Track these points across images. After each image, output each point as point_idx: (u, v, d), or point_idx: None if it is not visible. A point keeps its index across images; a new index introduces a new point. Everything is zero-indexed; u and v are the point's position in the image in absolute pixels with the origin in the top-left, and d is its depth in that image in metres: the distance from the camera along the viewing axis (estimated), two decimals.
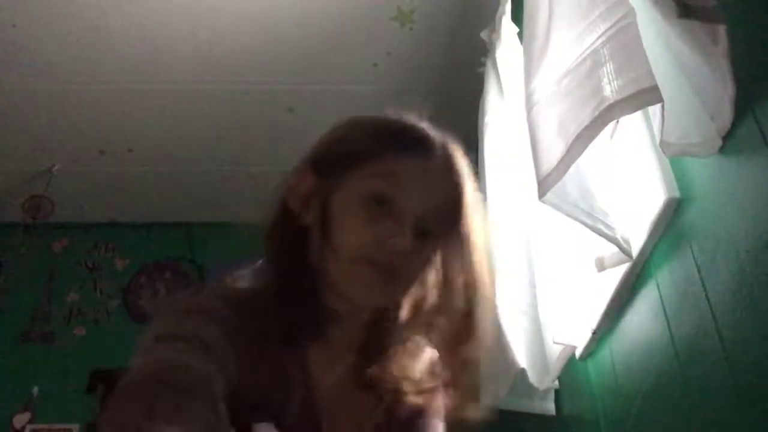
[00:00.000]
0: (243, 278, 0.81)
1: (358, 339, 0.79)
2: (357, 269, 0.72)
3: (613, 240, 1.03)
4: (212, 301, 0.72)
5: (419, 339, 0.82)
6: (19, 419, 2.79)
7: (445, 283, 0.77)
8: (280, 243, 0.77)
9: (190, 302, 0.72)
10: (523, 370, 1.44)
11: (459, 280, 0.76)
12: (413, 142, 0.76)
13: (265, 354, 0.72)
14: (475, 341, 0.77)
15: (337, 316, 0.76)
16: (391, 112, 0.82)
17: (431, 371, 0.82)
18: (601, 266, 1.13)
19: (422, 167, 0.75)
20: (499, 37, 1.88)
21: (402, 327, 0.79)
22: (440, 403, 0.83)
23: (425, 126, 0.79)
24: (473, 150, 2.12)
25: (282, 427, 0.69)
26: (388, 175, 0.74)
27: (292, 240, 0.76)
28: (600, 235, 1.03)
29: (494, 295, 0.80)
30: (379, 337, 0.79)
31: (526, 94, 1.19)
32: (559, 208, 1.04)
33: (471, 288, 0.76)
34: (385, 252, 0.71)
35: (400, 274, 0.73)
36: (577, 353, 1.35)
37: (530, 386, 1.46)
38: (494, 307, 0.81)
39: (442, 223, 0.75)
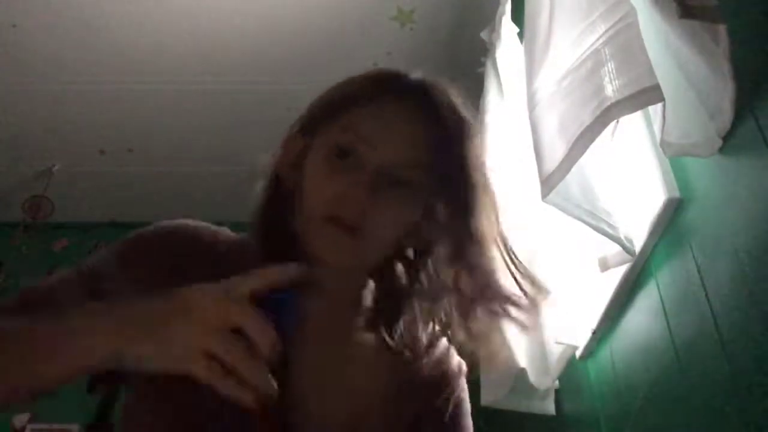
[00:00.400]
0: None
1: (359, 306, 0.73)
2: (322, 228, 0.66)
3: (616, 240, 1.03)
4: (166, 242, 0.72)
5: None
6: (19, 419, 2.79)
7: (440, 237, 0.70)
8: (264, 206, 0.74)
9: (138, 238, 0.73)
10: (523, 370, 1.44)
11: (457, 233, 0.68)
12: (382, 89, 0.70)
13: None
14: (484, 300, 0.69)
15: (319, 276, 0.69)
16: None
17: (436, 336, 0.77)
18: (604, 266, 1.13)
19: (392, 112, 0.68)
20: (499, 37, 1.88)
21: (411, 289, 0.73)
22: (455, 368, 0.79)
23: (409, 73, 0.72)
24: None
25: None
26: (351, 126, 0.68)
27: (276, 203, 0.73)
28: (604, 235, 1.03)
29: (506, 245, 0.71)
30: (388, 302, 0.73)
31: (528, 94, 1.19)
32: (562, 208, 1.04)
33: (460, 237, 0.68)
34: (347, 207, 0.65)
35: (366, 230, 0.65)
36: (577, 353, 1.35)
37: (530, 386, 1.46)
38: (508, 257, 0.70)
39: (423, 172, 0.67)
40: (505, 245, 0.72)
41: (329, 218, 0.66)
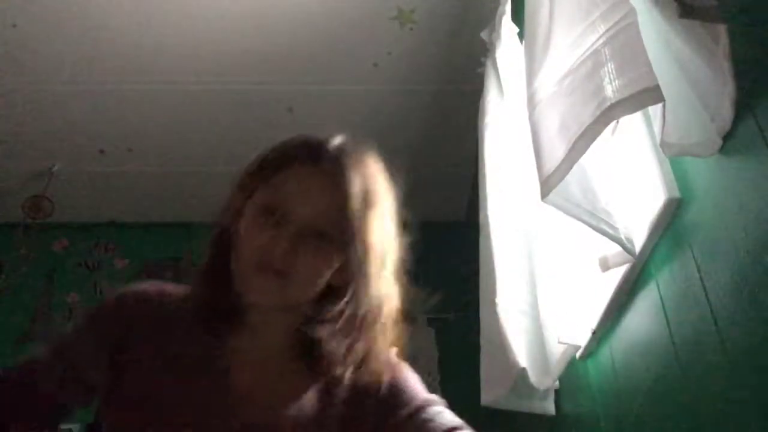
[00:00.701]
0: None
1: (290, 338, 0.84)
2: (252, 274, 0.79)
3: (617, 240, 1.03)
4: (117, 311, 0.86)
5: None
6: None
7: (344, 282, 0.82)
8: (210, 254, 0.86)
9: (95, 312, 0.89)
10: (523, 370, 1.44)
11: (353, 280, 0.81)
12: (303, 155, 0.82)
13: (178, 340, 0.83)
14: (362, 342, 0.82)
15: (254, 316, 0.84)
16: (309, 133, 0.88)
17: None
18: (604, 266, 1.13)
19: (309, 176, 0.81)
20: (499, 37, 1.88)
21: (335, 319, 0.82)
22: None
23: (329, 140, 0.84)
24: (473, 150, 2.12)
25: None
26: (277, 187, 0.81)
27: (220, 251, 0.84)
28: (604, 235, 1.03)
29: (388, 293, 0.84)
30: (310, 333, 0.82)
31: (528, 94, 1.19)
32: (562, 208, 1.04)
33: (360, 288, 0.81)
34: (273, 256, 0.77)
35: (291, 275, 0.78)
36: (578, 353, 1.35)
37: (530, 386, 1.46)
38: (388, 307, 0.84)
39: (338, 226, 0.79)
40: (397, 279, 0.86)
41: (259, 265, 0.78)
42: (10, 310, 3.06)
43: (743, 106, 0.79)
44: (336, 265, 0.81)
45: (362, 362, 0.84)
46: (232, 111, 2.78)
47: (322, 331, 0.81)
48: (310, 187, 0.80)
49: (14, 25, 2.38)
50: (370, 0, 2.33)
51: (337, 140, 0.84)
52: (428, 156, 3.03)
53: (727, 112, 0.81)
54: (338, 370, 0.83)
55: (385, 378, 0.85)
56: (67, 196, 3.09)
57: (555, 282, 1.33)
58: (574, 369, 1.41)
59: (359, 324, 0.82)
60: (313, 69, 2.59)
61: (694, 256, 0.92)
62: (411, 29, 2.43)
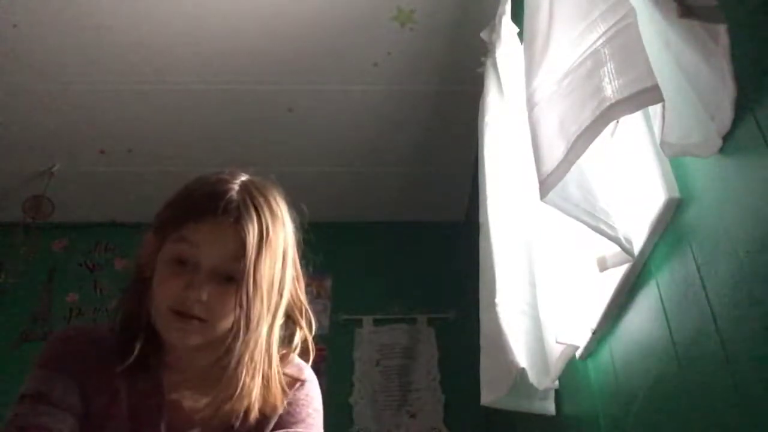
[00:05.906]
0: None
1: (209, 368, 0.93)
2: (168, 320, 0.87)
3: (615, 240, 1.03)
4: (66, 346, 0.92)
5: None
6: None
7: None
8: (129, 294, 0.96)
9: (46, 354, 0.93)
10: (523, 370, 1.44)
11: (243, 311, 0.89)
12: (208, 208, 0.89)
13: (118, 380, 0.90)
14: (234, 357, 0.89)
15: (176, 349, 0.93)
16: (206, 177, 0.96)
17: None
18: (603, 266, 1.13)
19: (214, 228, 0.89)
20: (499, 37, 1.88)
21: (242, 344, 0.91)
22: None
23: (229, 189, 0.91)
24: (473, 150, 2.12)
25: None
26: (186, 239, 0.89)
27: (138, 292, 0.93)
28: (602, 235, 1.03)
29: (257, 330, 0.91)
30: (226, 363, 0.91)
31: (527, 94, 1.19)
32: (560, 209, 1.04)
33: (242, 319, 0.89)
34: (187, 302, 0.86)
35: (205, 317, 0.87)
36: (578, 353, 1.35)
37: (530, 386, 1.46)
38: (256, 340, 0.92)
39: (240, 268, 0.88)
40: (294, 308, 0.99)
41: (176, 312, 0.86)
42: (10, 310, 3.06)
43: (743, 106, 0.79)
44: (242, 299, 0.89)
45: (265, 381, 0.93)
46: (233, 111, 2.78)
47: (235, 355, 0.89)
48: (215, 238, 0.88)
49: (15, 25, 2.39)
50: (370, 0, 2.33)
51: (236, 187, 0.92)
52: (429, 156, 3.03)
53: (727, 112, 0.81)
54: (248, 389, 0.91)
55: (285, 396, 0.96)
56: (67, 196, 3.09)
57: (555, 282, 1.33)
58: (574, 369, 1.41)
59: (253, 346, 0.90)
60: (313, 69, 2.59)
61: (694, 256, 0.92)
62: (411, 29, 2.43)
